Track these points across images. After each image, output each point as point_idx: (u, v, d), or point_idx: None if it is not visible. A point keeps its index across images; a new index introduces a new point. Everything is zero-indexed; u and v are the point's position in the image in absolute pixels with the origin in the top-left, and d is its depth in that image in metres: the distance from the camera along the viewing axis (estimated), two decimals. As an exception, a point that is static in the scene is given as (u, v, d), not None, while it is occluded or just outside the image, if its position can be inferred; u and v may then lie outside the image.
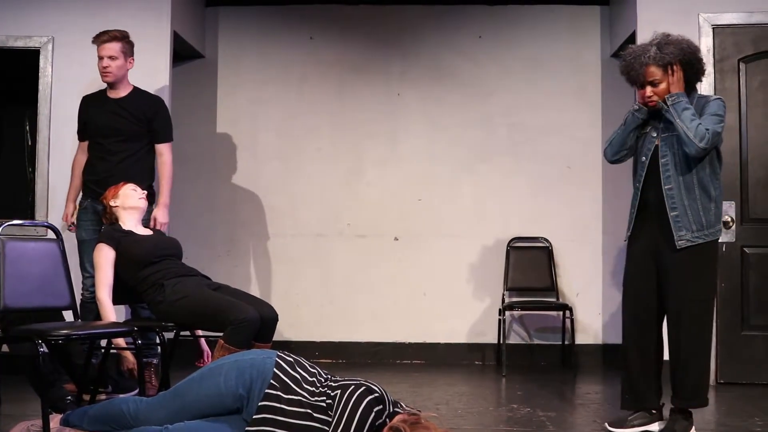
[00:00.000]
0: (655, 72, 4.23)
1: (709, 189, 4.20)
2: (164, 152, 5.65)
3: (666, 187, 4.21)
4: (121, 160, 5.51)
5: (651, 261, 4.32)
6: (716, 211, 4.22)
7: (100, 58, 5.52)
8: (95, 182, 5.51)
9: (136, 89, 5.67)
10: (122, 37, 5.56)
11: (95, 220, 5.47)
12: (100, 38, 5.54)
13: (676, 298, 4.21)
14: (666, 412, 4.37)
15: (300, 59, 7.18)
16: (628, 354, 4.40)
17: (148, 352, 5.39)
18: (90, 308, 5.30)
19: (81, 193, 5.68)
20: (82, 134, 5.71)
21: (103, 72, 5.53)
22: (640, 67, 4.25)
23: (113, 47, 5.52)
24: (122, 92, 5.62)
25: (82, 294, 5.43)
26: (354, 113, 7.15)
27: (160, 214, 5.54)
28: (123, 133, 5.53)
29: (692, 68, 4.25)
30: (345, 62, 7.17)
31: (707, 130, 4.08)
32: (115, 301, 4.84)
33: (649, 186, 4.30)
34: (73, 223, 5.67)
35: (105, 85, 5.69)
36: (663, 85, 4.23)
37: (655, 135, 4.33)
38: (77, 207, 5.67)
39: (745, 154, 5.97)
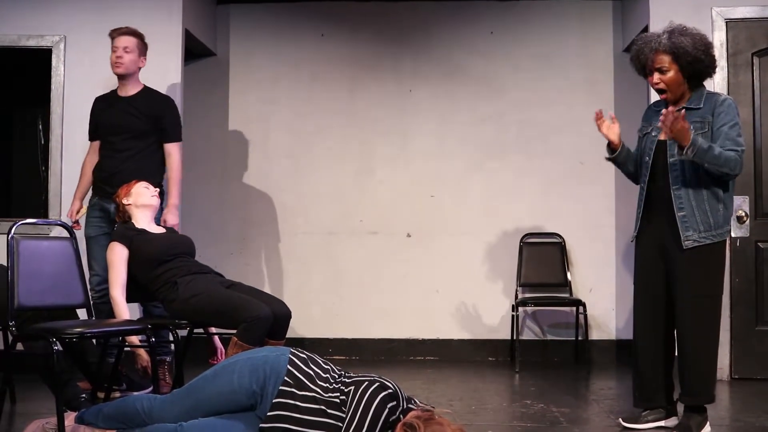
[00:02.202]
0: (664, 59, 4.21)
1: (718, 189, 4.17)
2: (173, 152, 5.61)
3: (674, 187, 4.19)
4: (127, 158, 5.51)
5: (659, 259, 4.31)
6: (725, 212, 4.19)
7: (114, 49, 5.52)
8: (102, 179, 5.53)
9: (146, 88, 5.68)
10: (138, 35, 5.60)
11: (103, 218, 5.49)
12: (117, 31, 5.56)
13: (683, 296, 4.20)
14: (681, 408, 4.35)
15: (311, 57, 7.18)
16: (638, 352, 4.40)
17: (161, 349, 5.41)
18: (99, 308, 5.31)
19: (90, 191, 5.69)
20: (93, 134, 5.72)
21: (116, 62, 5.52)
22: (650, 52, 4.25)
23: (129, 39, 5.54)
24: (132, 91, 5.62)
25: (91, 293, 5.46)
26: (365, 111, 7.15)
27: (170, 216, 5.50)
28: (131, 131, 5.53)
29: (702, 63, 4.20)
30: (356, 59, 7.17)
31: (736, 152, 4.07)
32: (128, 299, 4.86)
33: (655, 185, 4.29)
34: (77, 221, 5.66)
35: (116, 86, 5.70)
36: (670, 74, 4.22)
37: (655, 134, 4.34)
38: (83, 206, 5.69)
39: (758, 148, 5.94)
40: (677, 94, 4.27)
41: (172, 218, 5.48)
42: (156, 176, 5.57)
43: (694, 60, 4.18)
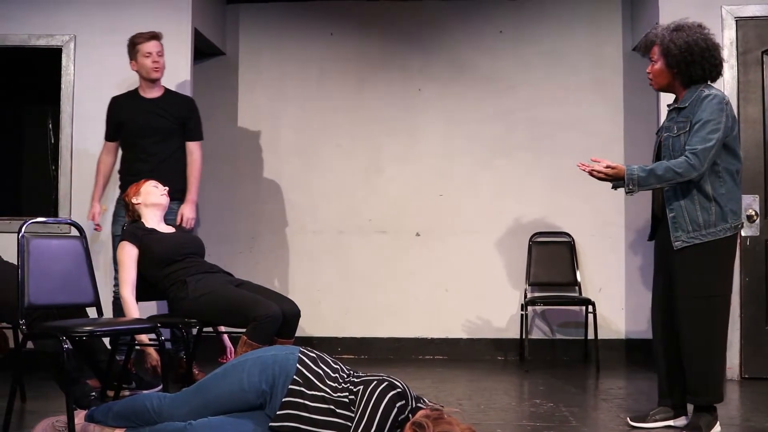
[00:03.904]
0: (654, 51, 4.25)
1: (707, 188, 4.12)
2: (195, 150, 5.76)
3: (665, 187, 4.19)
4: (161, 161, 5.61)
5: (664, 260, 4.32)
6: (719, 210, 4.12)
7: (148, 54, 5.58)
8: (134, 182, 5.53)
9: (167, 89, 5.78)
10: (161, 37, 5.70)
11: None
12: (144, 36, 5.62)
13: (679, 297, 4.19)
14: (691, 407, 4.34)
15: (320, 55, 7.19)
16: (654, 351, 4.42)
17: (178, 346, 5.48)
18: (119, 305, 5.35)
19: (119, 190, 5.76)
20: (112, 135, 5.77)
21: (155, 68, 5.60)
22: (646, 42, 4.32)
23: (159, 44, 5.65)
24: (157, 92, 5.71)
25: (114, 290, 5.50)
26: (374, 109, 7.15)
27: (187, 210, 5.64)
28: (161, 133, 5.63)
29: (675, 58, 4.16)
30: (364, 58, 7.17)
31: (692, 155, 4.02)
32: (139, 298, 4.87)
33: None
34: (98, 224, 5.74)
35: (132, 86, 5.75)
36: (656, 65, 4.26)
37: (657, 134, 4.40)
38: (102, 207, 5.75)
39: (768, 146, 5.92)
40: (660, 84, 4.30)
41: (189, 212, 5.63)
42: (184, 177, 5.72)
43: (667, 52, 4.17)
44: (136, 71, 5.68)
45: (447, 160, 7.08)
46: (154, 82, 5.67)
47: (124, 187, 5.65)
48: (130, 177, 5.60)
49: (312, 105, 7.17)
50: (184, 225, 5.56)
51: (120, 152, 5.82)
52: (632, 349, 6.75)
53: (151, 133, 5.62)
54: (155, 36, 5.64)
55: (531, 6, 7.08)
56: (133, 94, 5.75)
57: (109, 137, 5.78)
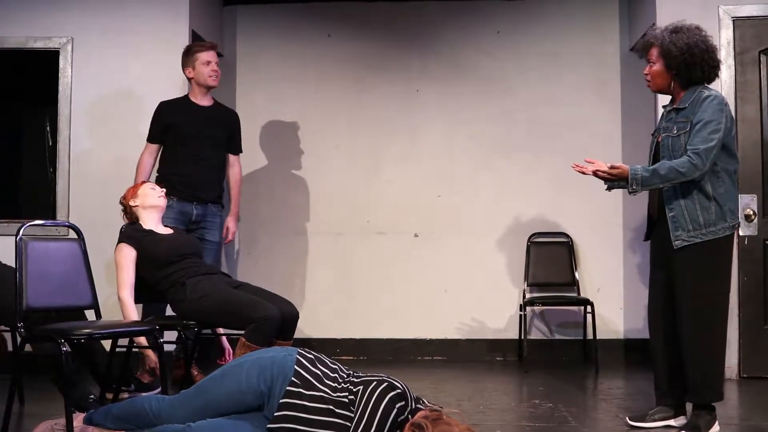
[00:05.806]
0: (653, 53, 4.27)
1: (707, 188, 4.14)
2: (236, 163, 6.04)
3: (664, 187, 4.19)
4: (212, 166, 5.79)
5: (663, 260, 4.32)
6: (718, 210, 4.14)
7: (207, 62, 5.74)
8: (183, 183, 5.66)
9: (215, 100, 5.94)
10: (218, 47, 5.92)
11: (177, 219, 5.56)
12: (206, 45, 5.86)
13: (680, 296, 4.20)
14: (690, 407, 4.34)
15: (318, 57, 7.18)
16: (652, 351, 4.42)
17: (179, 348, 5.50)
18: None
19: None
20: (158, 137, 5.79)
21: (213, 75, 5.77)
22: (644, 43, 4.33)
23: (215, 54, 5.83)
24: (208, 101, 5.86)
25: None
26: (372, 110, 7.14)
27: (233, 223, 5.98)
28: (214, 140, 5.79)
29: (675, 59, 4.17)
30: (363, 59, 7.17)
31: (695, 155, 4.04)
32: (137, 299, 4.87)
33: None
34: None
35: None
36: (655, 66, 4.28)
37: (654, 135, 4.40)
38: None
39: (766, 146, 5.91)
40: (659, 86, 4.32)
41: (234, 225, 6.01)
42: (223, 185, 5.94)
43: (668, 54, 4.18)
44: (191, 78, 5.78)
45: (446, 161, 7.07)
46: (209, 90, 5.82)
47: (170, 188, 5.52)
48: (178, 178, 5.67)
49: (310, 106, 7.17)
50: (230, 237, 5.98)
51: (160, 154, 5.85)
52: (631, 349, 6.75)
53: (204, 138, 5.74)
54: (214, 46, 5.85)
55: (529, 6, 7.08)
56: (184, 100, 5.85)
57: (153, 139, 5.80)
